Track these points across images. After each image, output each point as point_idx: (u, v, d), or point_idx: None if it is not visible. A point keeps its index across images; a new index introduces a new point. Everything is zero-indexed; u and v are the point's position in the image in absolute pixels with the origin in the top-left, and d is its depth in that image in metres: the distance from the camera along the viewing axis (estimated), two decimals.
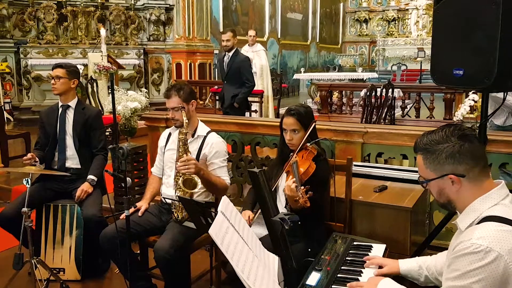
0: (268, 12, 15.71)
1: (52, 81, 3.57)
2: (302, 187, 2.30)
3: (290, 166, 2.45)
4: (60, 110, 3.60)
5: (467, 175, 1.63)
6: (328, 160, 2.73)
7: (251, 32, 8.38)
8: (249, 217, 2.66)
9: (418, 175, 1.77)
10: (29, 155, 3.33)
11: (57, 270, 3.38)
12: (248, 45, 8.34)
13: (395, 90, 7.86)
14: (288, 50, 17.38)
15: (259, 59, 8.25)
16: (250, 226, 2.45)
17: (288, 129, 2.63)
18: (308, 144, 2.61)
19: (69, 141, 3.55)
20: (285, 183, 2.44)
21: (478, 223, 1.59)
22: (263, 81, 8.26)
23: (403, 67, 16.13)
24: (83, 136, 3.56)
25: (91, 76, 7.62)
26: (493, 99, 3.37)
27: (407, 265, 2.01)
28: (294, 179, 2.34)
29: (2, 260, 3.65)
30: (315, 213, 2.48)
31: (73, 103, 3.61)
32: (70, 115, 3.59)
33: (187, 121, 2.86)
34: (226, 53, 6.08)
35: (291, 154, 2.61)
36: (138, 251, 3.16)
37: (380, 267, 2.03)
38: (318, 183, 2.54)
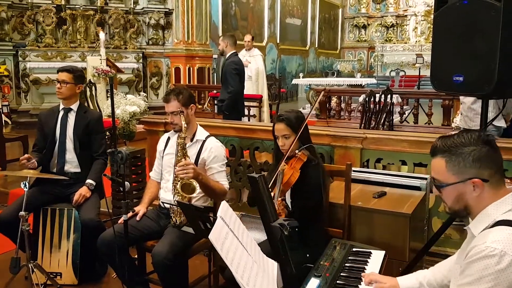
0: (267, 17, 15.74)
1: (58, 85, 3.51)
2: (279, 199, 2.31)
3: (278, 175, 2.46)
4: (62, 113, 3.57)
5: (490, 181, 1.60)
6: (322, 165, 2.70)
7: (247, 38, 8.39)
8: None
9: (432, 179, 1.71)
10: (26, 156, 3.30)
11: (54, 274, 3.36)
12: (245, 49, 8.35)
13: (393, 96, 7.89)
14: (287, 55, 17.40)
15: (255, 63, 8.25)
16: None
17: (279, 135, 2.64)
18: (297, 151, 2.59)
19: (69, 144, 3.53)
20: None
21: (492, 227, 1.57)
22: (258, 86, 8.26)
23: (401, 73, 16.18)
24: (84, 140, 3.54)
25: (89, 79, 7.60)
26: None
27: (407, 283, 1.95)
28: (275, 192, 2.35)
29: None
30: (304, 219, 2.47)
31: (75, 106, 3.59)
32: (71, 118, 3.56)
33: (185, 125, 2.86)
34: (224, 57, 6.11)
35: (280, 162, 2.59)
36: (136, 256, 3.15)
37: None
38: (307, 190, 2.53)
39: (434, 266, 1.98)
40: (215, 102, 9.06)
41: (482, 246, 1.51)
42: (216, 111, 8.93)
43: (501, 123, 3.98)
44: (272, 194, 2.33)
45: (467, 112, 4.15)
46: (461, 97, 4.26)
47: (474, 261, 1.52)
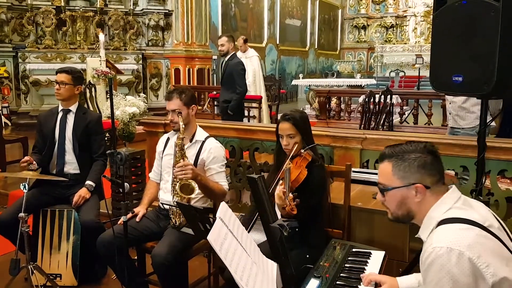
0: (267, 18, 15.75)
1: (57, 86, 3.50)
2: (290, 195, 2.30)
3: (284, 172, 2.45)
4: (61, 114, 3.56)
5: (431, 187, 1.69)
6: (325, 166, 2.72)
7: (239, 42, 8.33)
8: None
9: (378, 184, 1.80)
10: (26, 158, 3.29)
11: (54, 276, 3.36)
12: (240, 51, 8.33)
13: (393, 96, 7.89)
14: (286, 56, 17.41)
15: (252, 65, 8.25)
16: None
17: (284, 134, 2.63)
18: (302, 151, 2.60)
19: (69, 146, 3.52)
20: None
21: (435, 228, 1.64)
22: (256, 87, 8.26)
23: (401, 74, 16.19)
24: (83, 141, 3.53)
25: (89, 81, 7.60)
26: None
27: (406, 282, 1.96)
28: (282, 186, 2.34)
29: None
30: (306, 218, 2.47)
31: (74, 107, 3.58)
32: (70, 120, 3.55)
33: (183, 126, 2.85)
34: (223, 58, 6.11)
35: (285, 160, 2.59)
36: (136, 257, 3.14)
37: (377, 284, 1.97)
38: (311, 190, 2.53)
39: None
40: (216, 103, 9.08)
41: (429, 249, 1.56)
42: (217, 111, 8.92)
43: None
44: (281, 187, 2.33)
45: (458, 111, 4.16)
46: (448, 97, 4.27)
47: (428, 267, 1.57)
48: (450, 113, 4.34)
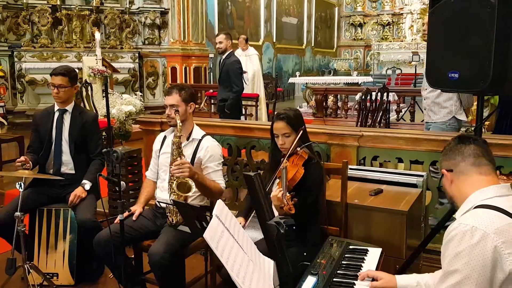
0: (263, 16, 15.74)
1: (55, 90, 3.44)
2: (288, 194, 2.30)
3: (281, 171, 2.44)
4: (57, 114, 3.54)
5: (454, 170, 1.75)
6: (321, 164, 2.72)
7: (241, 43, 8.37)
8: (240, 223, 2.67)
9: None
10: (22, 158, 3.26)
11: (51, 275, 3.35)
12: (241, 49, 8.35)
13: (390, 94, 7.90)
14: (283, 54, 17.40)
15: (252, 63, 8.25)
16: None
17: (279, 134, 2.63)
18: (298, 149, 2.59)
19: (65, 146, 3.50)
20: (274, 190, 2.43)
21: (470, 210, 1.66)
22: (254, 85, 8.28)
23: (397, 71, 16.21)
24: (79, 141, 3.51)
25: (85, 79, 7.59)
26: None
27: (404, 280, 1.96)
28: (281, 188, 2.33)
29: None
30: (303, 216, 2.46)
31: (70, 107, 3.55)
32: (67, 120, 3.53)
33: (180, 123, 2.84)
34: (221, 56, 6.09)
35: (282, 159, 2.59)
36: (133, 256, 3.14)
37: (374, 279, 1.97)
38: (309, 188, 2.52)
39: (435, 272, 1.97)
40: (213, 101, 9.08)
41: (455, 225, 1.59)
42: (214, 110, 8.92)
43: (462, 116, 4.06)
44: (279, 191, 2.32)
45: (431, 106, 4.18)
46: (423, 93, 4.29)
47: (449, 240, 1.60)
48: (425, 109, 4.36)
